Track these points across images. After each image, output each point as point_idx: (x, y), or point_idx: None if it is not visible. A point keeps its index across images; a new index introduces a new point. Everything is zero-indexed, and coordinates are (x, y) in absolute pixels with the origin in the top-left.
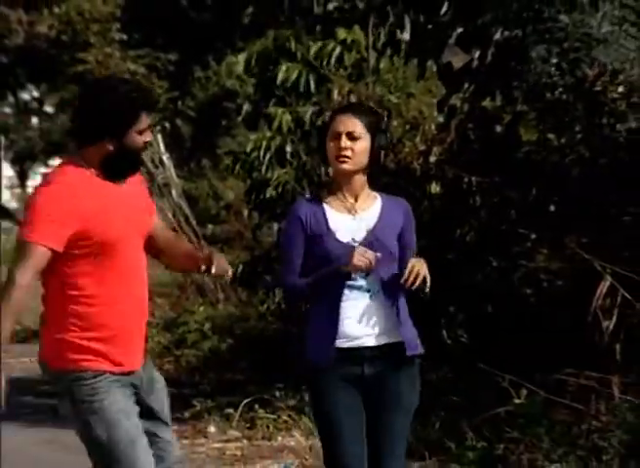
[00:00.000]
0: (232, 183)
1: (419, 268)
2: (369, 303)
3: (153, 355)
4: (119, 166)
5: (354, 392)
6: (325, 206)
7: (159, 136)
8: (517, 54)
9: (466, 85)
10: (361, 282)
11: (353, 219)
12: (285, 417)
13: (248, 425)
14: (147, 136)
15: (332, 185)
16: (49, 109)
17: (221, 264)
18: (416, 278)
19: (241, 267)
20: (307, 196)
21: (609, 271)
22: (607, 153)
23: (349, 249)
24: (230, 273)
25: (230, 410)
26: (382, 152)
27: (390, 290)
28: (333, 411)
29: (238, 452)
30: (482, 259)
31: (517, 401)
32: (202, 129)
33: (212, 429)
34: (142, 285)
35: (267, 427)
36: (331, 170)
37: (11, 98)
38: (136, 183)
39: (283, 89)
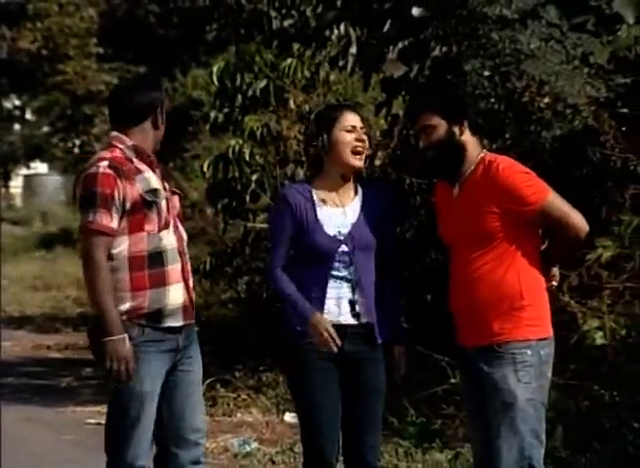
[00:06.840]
0: (196, 184)
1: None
2: (350, 291)
3: None
4: None
5: (334, 372)
6: (314, 196)
7: None
8: (453, 67)
9: (404, 93)
10: (344, 272)
11: (340, 213)
12: (244, 396)
13: (210, 403)
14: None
15: (319, 177)
16: (29, 116)
17: None
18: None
19: (208, 260)
20: (295, 184)
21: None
22: (534, 157)
23: (336, 243)
24: None
25: None
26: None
27: (369, 278)
28: (313, 388)
29: None
30: (421, 252)
31: (453, 380)
32: (170, 134)
33: None
34: None
35: (228, 405)
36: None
37: None
38: None
39: (248, 99)
